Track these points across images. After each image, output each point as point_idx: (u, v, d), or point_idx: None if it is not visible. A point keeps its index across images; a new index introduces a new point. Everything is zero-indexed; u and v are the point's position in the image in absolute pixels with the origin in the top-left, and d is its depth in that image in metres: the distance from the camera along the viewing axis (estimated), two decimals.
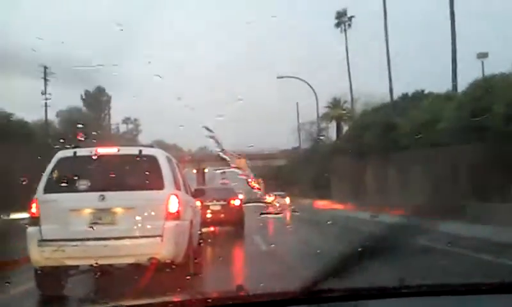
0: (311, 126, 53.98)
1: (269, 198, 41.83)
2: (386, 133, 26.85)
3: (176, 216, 7.09)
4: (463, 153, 18.69)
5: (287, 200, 39.79)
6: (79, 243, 6.71)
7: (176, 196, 7.21)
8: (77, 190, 6.93)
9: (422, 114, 23.87)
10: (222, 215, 16.72)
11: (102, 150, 7.37)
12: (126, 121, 73.81)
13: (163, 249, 6.86)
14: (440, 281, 2.84)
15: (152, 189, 7.08)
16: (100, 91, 66.89)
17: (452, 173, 19.84)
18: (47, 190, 6.98)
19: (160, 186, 7.09)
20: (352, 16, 49.06)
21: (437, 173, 20.97)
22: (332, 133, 50.99)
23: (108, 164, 7.21)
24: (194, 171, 53.21)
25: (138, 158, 7.29)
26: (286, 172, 51.11)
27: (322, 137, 49.93)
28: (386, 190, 27.67)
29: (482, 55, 33.71)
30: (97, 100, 67.71)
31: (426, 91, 31.69)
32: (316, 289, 2.41)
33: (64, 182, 7.00)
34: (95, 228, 6.81)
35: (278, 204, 36.74)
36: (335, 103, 50.42)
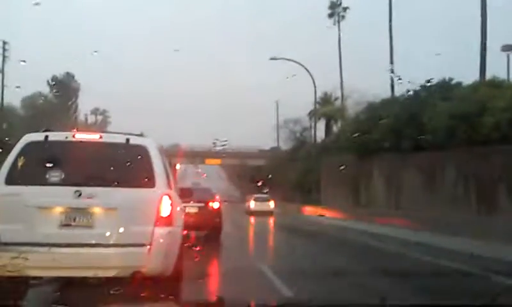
0: (295, 124, 52.09)
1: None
2: (404, 129, 23.20)
3: (169, 221, 5.87)
4: None
5: (271, 204, 35.99)
6: (46, 249, 5.42)
7: (169, 196, 5.99)
8: (47, 184, 5.64)
9: (458, 105, 20.24)
10: (198, 219, 15.35)
11: (81, 136, 6.09)
12: (95, 111, 71.50)
13: (151, 261, 5.65)
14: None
15: (140, 187, 5.86)
16: (69, 77, 64.19)
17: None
18: (9, 181, 5.66)
19: (150, 183, 5.86)
20: (346, 8, 47.68)
21: (487, 179, 18.17)
22: (319, 132, 47.53)
23: (87, 154, 5.96)
24: None
25: (125, 148, 6.01)
26: (266, 173, 47.66)
27: (308, 136, 47.52)
28: (404, 198, 24.10)
29: (508, 48, 30.84)
30: (65, 86, 64.84)
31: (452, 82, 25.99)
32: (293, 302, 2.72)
33: (31, 172, 5.72)
34: (67, 231, 5.55)
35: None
36: (326, 99, 47.83)
